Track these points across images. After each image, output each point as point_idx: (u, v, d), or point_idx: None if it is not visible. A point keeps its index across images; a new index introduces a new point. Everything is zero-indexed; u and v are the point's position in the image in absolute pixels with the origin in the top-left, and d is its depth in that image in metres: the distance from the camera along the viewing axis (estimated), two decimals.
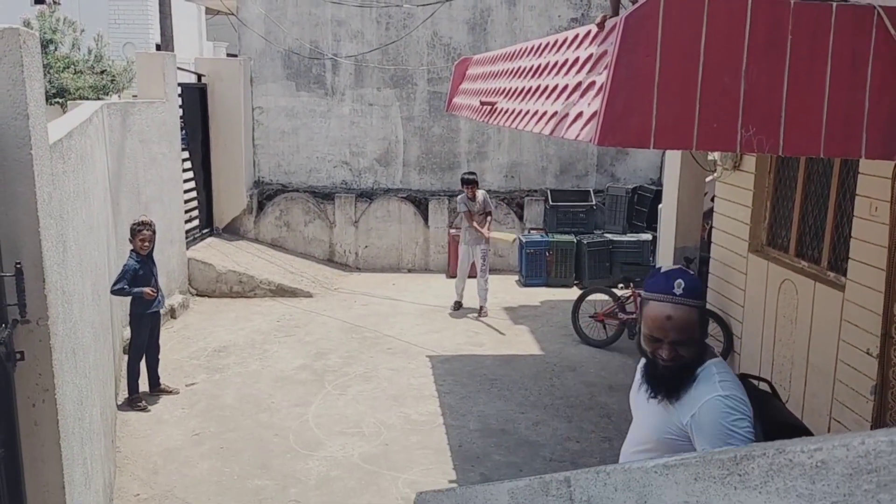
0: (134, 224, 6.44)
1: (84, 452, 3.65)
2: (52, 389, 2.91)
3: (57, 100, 16.12)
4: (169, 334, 8.20)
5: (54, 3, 18.90)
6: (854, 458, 0.67)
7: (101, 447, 4.38)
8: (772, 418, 4.51)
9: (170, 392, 6.63)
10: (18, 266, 2.68)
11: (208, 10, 17.48)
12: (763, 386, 5.24)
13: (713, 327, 7.45)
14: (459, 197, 9.29)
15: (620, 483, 0.95)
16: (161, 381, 6.67)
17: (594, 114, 2.78)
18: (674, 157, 8.70)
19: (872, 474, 0.65)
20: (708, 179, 8.64)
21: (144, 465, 5.43)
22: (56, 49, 17.40)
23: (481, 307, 9.20)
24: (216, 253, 10.21)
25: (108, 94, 17.57)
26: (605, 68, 2.76)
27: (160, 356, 6.69)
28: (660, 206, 9.44)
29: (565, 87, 3.32)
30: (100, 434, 4.38)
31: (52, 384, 2.91)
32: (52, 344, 2.89)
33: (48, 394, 2.90)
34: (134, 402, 6.35)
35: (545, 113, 3.48)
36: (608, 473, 0.96)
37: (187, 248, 9.68)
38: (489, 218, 9.25)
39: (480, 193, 9.22)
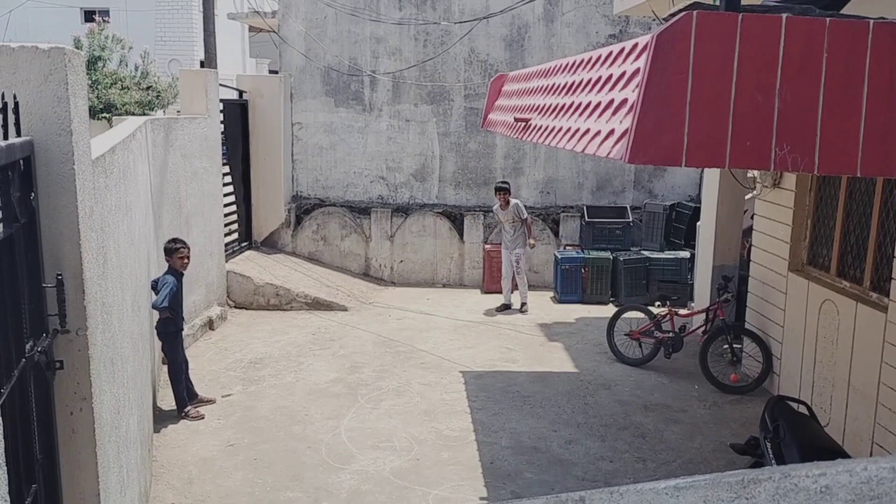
0: (173, 243, 6.57)
1: (120, 460, 3.72)
2: (90, 398, 2.98)
3: (104, 115, 16.59)
4: (207, 345, 8.33)
5: (103, 21, 19.46)
6: (857, 485, 0.67)
7: (137, 456, 4.47)
8: (809, 442, 4.41)
9: (207, 402, 6.73)
10: (59, 277, 2.76)
11: (251, 28, 17.84)
12: (801, 409, 5.12)
13: (752, 347, 7.33)
14: (495, 206, 10.10)
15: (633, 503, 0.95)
16: (196, 391, 6.77)
17: (625, 131, 2.77)
18: (713, 175, 8.61)
19: (874, 500, 0.64)
20: (747, 197, 8.53)
21: (179, 474, 5.51)
22: (104, 65, 17.91)
23: (522, 304, 9.99)
24: (254, 266, 10.35)
25: (153, 110, 18.03)
26: (637, 86, 2.76)
27: (190, 368, 6.78)
28: (698, 223, 9.34)
29: (598, 105, 3.32)
30: (136, 443, 4.47)
31: (90, 393, 2.98)
32: (90, 354, 2.97)
33: (86, 402, 2.97)
34: (188, 413, 6.46)
35: (577, 130, 3.48)
36: (621, 494, 0.96)
37: (226, 261, 9.84)
38: (526, 225, 9.91)
39: (513, 202, 9.83)
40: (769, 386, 7.10)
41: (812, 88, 2.70)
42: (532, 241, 9.91)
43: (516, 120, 5.10)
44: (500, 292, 10.35)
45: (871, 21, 2.72)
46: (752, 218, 7.97)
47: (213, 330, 8.84)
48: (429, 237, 11.37)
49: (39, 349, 2.67)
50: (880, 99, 2.72)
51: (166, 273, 6.45)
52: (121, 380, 3.88)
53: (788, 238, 6.84)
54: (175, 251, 6.51)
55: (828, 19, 2.71)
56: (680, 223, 10.87)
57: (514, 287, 10.10)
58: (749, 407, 6.79)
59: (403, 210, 11.49)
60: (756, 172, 7.54)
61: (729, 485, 0.80)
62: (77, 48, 10.94)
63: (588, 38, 11.18)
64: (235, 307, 9.78)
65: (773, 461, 4.28)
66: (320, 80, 11.45)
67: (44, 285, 2.75)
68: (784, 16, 2.68)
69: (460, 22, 11.07)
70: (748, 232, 8.35)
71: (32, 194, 2.69)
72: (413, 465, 5.67)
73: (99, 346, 3.18)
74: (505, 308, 10.03)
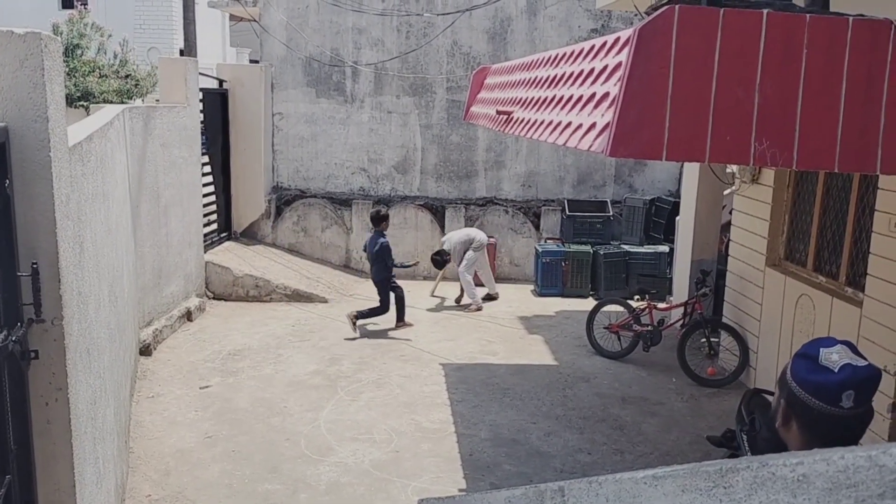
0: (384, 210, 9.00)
1: (96, 452, 3.69)
2: (66, 388, 2.95)
3: (82, 103, 16.37)
4: (185, 337, 8.27)
5: (84, 7, 19.19)
6: (834, 473, 0.68)
7: (113, 447, 4.43)
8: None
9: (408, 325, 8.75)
10: (35, 266, 2.73)
11: (232, 17, 17.68)
12: None
13: (729, 341, 7.40)
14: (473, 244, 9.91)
15: (612, 493, 0.96)
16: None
17: (607, 125, 2.78)
18: (692, 170, 8.67)
19: (851, 489, 0.65)
20: (726, 192, 8.60)
21: (157, 466, 5.47)
22: (83, 53, 17.67)
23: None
24: (233, 257, 10.28)
25: (131, 98, 17.83)
26: (619, 80, 2.77)
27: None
28: (677, 218, 9.40)
29: (580, 98, 3.33)
30: (113, 434, 4.43)
31: (66, 383, 2.95)
32: (66, 343, 2.93)
33: (61, 393, 2.94)
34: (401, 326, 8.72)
35: (559, 123, 3.49)
36: (600, 483, 0.97)
37: (205, 252, 9.76)
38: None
39: (450, 246, 9.87)
40: (746, 379, 7.17)
41: (792, 84, 2.73)
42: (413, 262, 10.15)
43: (498, 113, 5.10)
44: (483, 285, 10.45)
45: (851, 18, 2.75)
46: (730, 213, 8.04)
47: (191, 321, 8.77)
48: (410, 229, 11.35)
49: (14, 339, 2.63)
50: (858, 95, 2.75)
51: (382, 236, 8.65)
52: (97, 370, 3.84)
53: (766, 233, 6.91)
54: (387, 217, 8.93)
55: (808, 15, 2.73)
56: (659, 218, 10.95)
57: (479, 282, 10.22)
58: (726, 400, 6.86)
59: (385, 202, 11.44)
60: (735, 168, 7.60)
61: (707, 474, 0.81)
62: (55, 35, 10.73)
63: (570, 31, 11.19)
64: (214, 298, 9.71)
65: (749, 453, 4.32)
66: (301, 70, 11.37)
67: (18, 274, 2.71)
68: (765, 11, 2.70)
69: (443, 14, 11.04)
70: (726, 227, 8.42)
71: (7, 181, 2.64)
72: (392, 457, 5.68)
73: (75, 336, 3.14)
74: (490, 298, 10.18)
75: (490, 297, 10.16)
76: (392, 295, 8.79)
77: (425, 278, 11.34)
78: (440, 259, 9.78)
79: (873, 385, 1.73)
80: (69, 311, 3.01)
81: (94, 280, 3.92)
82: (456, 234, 10.00)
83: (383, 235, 8.69)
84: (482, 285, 10.27)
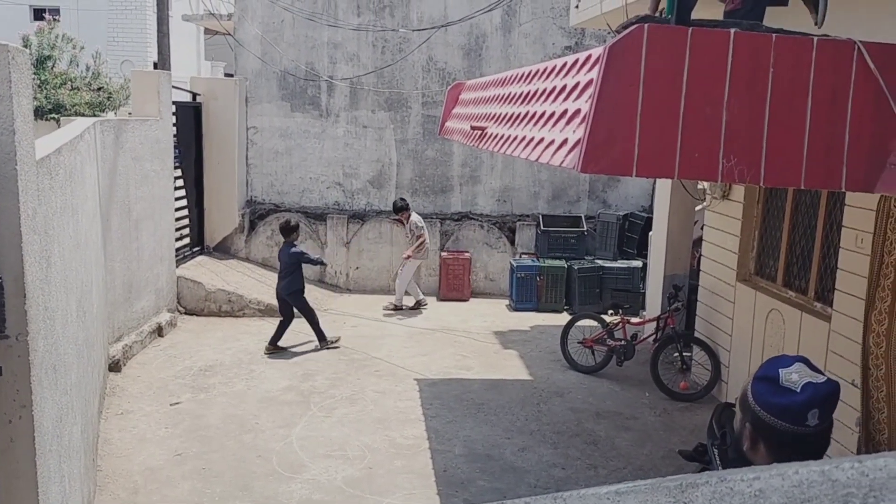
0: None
1: (62, 470, 3.61)
2: (30, 406, 2.89)
3: (53, 115, 16.18)
4: (155, 352, 8.16)
5: (54, 19, 19.00)
6: (789, 488, 0.69)
7: (80, 465, 4.34)
8: None
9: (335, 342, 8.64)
10: None
11: (207, 31, 17.62)
12: None
13: (701, 355, 7.46)
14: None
15: None
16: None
17: (578, 141, 2.80)
18: (664, 186, 8.77)
19: (806, 503, 0.66)
20: (698, 208, 8.70)
21: (125, 484, 5.37)
22: (54, 65, 17.49)
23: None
24: (206, 271, 10.18)
25: (104, 111, 17.65)
26: (590, 97, 2.79)
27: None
28: (650, 233, 9.49)
29: (552, 114, 3.35)
30: (80, 452, 4.34)
31: (30, 400, 2.89)
32: (31, 360, 2.88)
33: (25, 410, 2.88)
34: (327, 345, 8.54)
35: (532, 139, 3.51)
36: (564, 499, 0.97)
37: (177, 266, 9.66)
38: (419, 241, 10.25)
39: (412, 219, 10.30)
40: (717, 393, 7.23)
41: (758, 102, 2.77)
42: (408, 253, 10.28)
43: (473, 128, 5.12)
44: (458, 300, 10.60)
45: (816, 38, 2.80)
46: (702, 229, 8.13)
47: (162, 337, 8.65)
48: (385, 244, 11.33)
49: None
50: (823, 114, 2.80)
51: (293, 246, 8.47)
52: (64, 387, 3.77)
53: (737, 249, 7.00)
54: (297, 227, 8.72)
55: (774, 35, 2.79)
56: (633, 233, 11.04)
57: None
58: (698, 414, 6.91)
59: (360, 216, 11.43)
60: (706, 184, 7.70)
61: (668, 489, 0.81)
62: (25, 47, 10.63)
63: (545, 48, 11.30)
64: (186, 313, 9.60)
65: (720, 467, 4.35)
66: (276, 84, 11.35)
67: None
68: (732, 31, 2.75)
69: (419, 29, 11.09)
70: (698, 242, 8.51)
71: None
72: (365, 474, 5.63)
73: (41, 353, 3.09)
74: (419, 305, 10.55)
75: (419, 304, 10.48)
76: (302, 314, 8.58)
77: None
78: (401, 204, 10.28)
79: (835, 400, 1.75)
80: (35, 327, 2.95)
81: (61, 295, 3.86)
82: (416, 216, 10.46)
83: (294, 245, 8.53)
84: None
